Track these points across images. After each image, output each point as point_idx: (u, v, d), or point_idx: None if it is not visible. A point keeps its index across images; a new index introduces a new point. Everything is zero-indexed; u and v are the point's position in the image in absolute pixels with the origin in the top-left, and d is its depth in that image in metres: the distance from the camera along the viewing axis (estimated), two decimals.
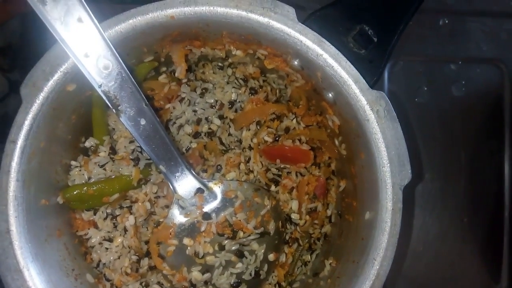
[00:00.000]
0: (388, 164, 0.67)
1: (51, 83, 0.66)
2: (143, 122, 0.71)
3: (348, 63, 0.66)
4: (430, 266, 1.06)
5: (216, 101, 0.88)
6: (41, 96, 0.66)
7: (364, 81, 0.66)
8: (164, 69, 0.88)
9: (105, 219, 0.81)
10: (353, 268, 0.71)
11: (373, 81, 0.70)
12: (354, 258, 0.72)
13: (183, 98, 0.87)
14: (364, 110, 0.67)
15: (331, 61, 0.66)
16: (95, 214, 0.81)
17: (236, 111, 0.88)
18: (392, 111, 0.66)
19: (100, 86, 0.68)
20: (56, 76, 0.66)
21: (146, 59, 0.81)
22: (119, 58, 0.67)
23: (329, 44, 0.66)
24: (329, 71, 0.68)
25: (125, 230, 0.81)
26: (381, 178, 0.67)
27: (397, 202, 0.66)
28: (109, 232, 0.81)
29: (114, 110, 0.69)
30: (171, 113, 0.87)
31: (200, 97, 0.88)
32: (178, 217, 0.76)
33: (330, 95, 0.75)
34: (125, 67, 0.68)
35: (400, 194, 0.67)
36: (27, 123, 0.66)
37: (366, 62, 0.69)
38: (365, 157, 0.72)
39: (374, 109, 0.67)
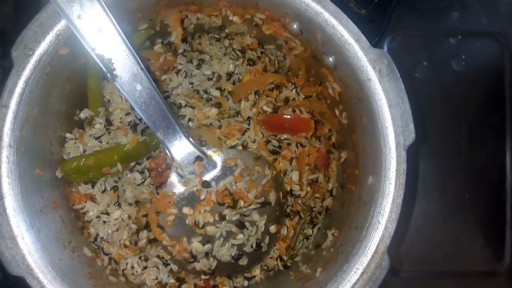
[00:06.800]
0: (391, 124, 0.65)
1: (43, 45, 0.64)
2: (139, 87, 0.69)
3: (349, 20, 0.64)
4: (432, 243, 1.05)
5: (213, 73, 0.86)
6: (33, 59, 0.64)
7: (365, 39, 0.64)
8: (159, 40, 0.86)
9: (103, 192, 0.79)
10: (357, 234, 0.69)
11: (375, 42, 0.68)
12: (357, 224, 0.71)
13: (179, 70, 0.85)
14: (366, 69, 0.65)
15: (331, 19, 0.64)
16: (92, 187, 0.79)
17: (234, 83, 0.86)
18: (395, 69, 0.65)
19: (93, 49, 0.66)
20: (48, 38, 0.64)
21: (141, 27, 0.79)
22: (113, 19, 0.65)
23: (329, 1, 0.64)
24: (329, 31, 0.66)
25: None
26: (383, 139, 0.66)
27: (401, 163, 0.65)
28: (107, 205, 0.80)
29: (109, 74, 0.67)
30: (167, 84, 0.85)
31: (197, 69, 0.86)
32: (177, 185, 0.74)
33: (330, 59, 0.73)
34: (119, 29, 0.66)
35: (404, 154, 0.65)
36: (19, 86, 0.64)
37: (367, 22, 0.68)
38: (367, 120, 0.71)
39: (376, 68, 0.65)
